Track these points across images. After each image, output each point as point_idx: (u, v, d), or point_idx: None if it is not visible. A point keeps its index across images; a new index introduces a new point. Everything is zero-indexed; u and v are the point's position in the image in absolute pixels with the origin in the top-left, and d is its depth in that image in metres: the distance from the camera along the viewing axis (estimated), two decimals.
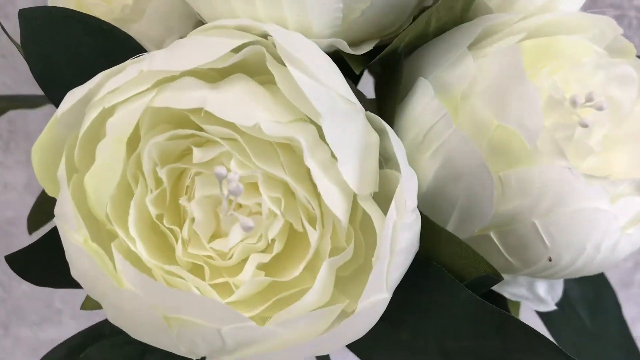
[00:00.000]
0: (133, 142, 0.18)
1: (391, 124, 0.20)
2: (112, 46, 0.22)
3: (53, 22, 0.21)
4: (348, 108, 0.18)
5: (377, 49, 0.21)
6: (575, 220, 0.20)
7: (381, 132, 0.19)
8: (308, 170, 0.17)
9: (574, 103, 0.20)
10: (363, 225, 0.18)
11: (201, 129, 0.17)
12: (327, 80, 0.17)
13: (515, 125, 0.19)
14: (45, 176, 0.19)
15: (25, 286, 0.63)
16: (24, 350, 0.67)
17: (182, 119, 0.17)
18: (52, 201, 0.19)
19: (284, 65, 0.17)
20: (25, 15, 0.21)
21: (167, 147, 0.18)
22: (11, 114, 0.52)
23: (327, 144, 0.17)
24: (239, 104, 0.17)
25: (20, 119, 0.52)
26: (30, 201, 0.59)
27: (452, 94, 0.20)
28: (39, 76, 0.22)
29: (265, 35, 0.18)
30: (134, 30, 0.22)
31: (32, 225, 0.28)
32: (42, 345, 0.66)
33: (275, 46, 0.17)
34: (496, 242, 0.21)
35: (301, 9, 0.18)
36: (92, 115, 0.17)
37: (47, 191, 0.19)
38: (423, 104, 0.20)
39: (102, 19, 0.24)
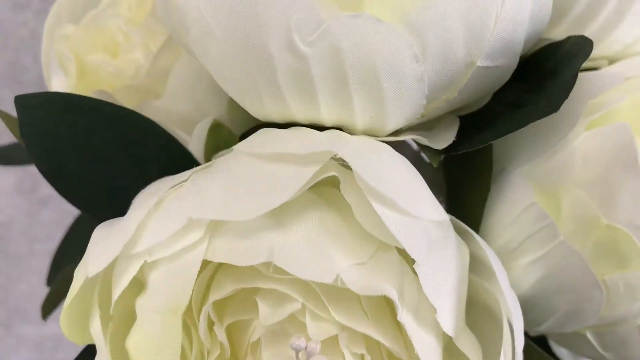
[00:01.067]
0: None
1: (474, 223, 0.17)
2: (131, 135, 0.18)
3: (56, 110, 0.17)
4: (439, 234, 0.15)
5: None
6: None
7: (464, 234, 0.16)
8: (393, 313, 0.14)
9: None
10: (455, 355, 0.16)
11: (268, 278, 0.14)
12: (416, 207, 0.14)
13: (627, 225, 0.16)
14: (72, 331, 0.15)
15: (25, 286, 0.60)
16: (29, 347, 0.65)
17: (244, 268, 0.14)
18: (65, 289, 0.16)
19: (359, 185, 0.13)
20: (23, 103, 0.17)
21: (226, 303, 0.15)
22: None
23: (413, 271, 0.14)
24: (314, 253, 0.13)
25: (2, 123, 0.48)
26: (19, 203, 0.56)
27: (552, 187, 0.17)
28: (44, 171, 0.18)
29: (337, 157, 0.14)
30: (156, 108, 0.19)
31: (45, 312, 0.25)
32: (47, 341, 0.64)
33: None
34: (591, 339, 0.19)
35: (377, 110, 0.15)
36: (130, 271, 0.14)
37: (75, 342, 0.16)
38: (520, 207, 0.17)
39: (112, 82, 0.21)
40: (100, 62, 0.20)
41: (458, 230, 0.16)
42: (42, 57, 0.22)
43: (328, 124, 0.15)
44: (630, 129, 0.17)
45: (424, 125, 0.17)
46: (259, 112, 0.16)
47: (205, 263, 0.14)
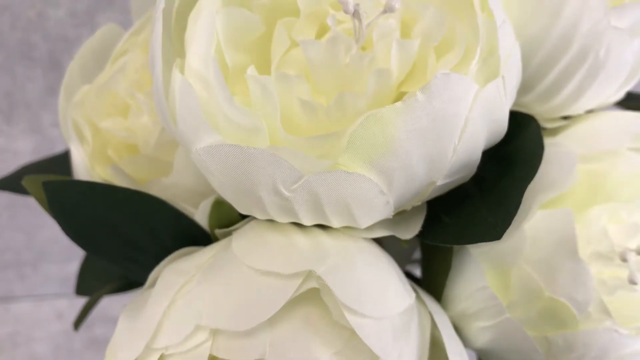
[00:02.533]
0: None
1: (438, 289, 0.21)
2: (145, 212, 0.21)
3: (78, 194, 0.20)
4: (404, 320, 0.18)
5: None
6: None
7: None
8: None
9: (623, 259, 0.20)
10: None
11: None
12: (383, 309, 0.17)
13: (566, 298, 0.19)
14: None
15: (47, 232, 0.65)
16: (55, 283, 0.70)
17: None
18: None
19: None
20: (50, 189, 0.20)
21: None
22: (9, 87, 0.50)
23: None
24: (299, 348, 0.17)
25: (18, 91, 0.50)
26: None
27: (505, 266, 0.20)
28: (74, 239, 0.21)
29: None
30: (165, 184, 0.21)
31: (78, 322, 0.28)
32: (71, 276, 0.70)
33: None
34: None
35: (352, 223, 0.18)
36: None
37: None
38: (475, 286, 0.20)
39: (125, 143, 0.23)
40: (112, 128, 0.23)
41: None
42: (59, 116, 0.25)
43: (310, 224, 0.18)
44: (572, 217, 0.19)
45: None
46: (244, 210, 0.18)
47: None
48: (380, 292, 0.17)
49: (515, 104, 0.22)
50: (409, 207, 0.18)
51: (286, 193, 0.16)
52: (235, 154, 0.15)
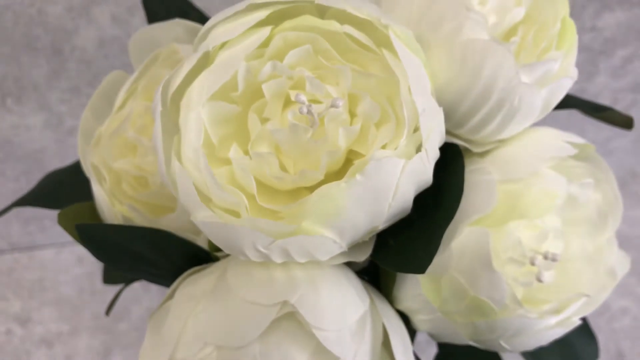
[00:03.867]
0: None
1: (389, 288, 0.27)
2: (159, 242, 0.26)
3: (106, 234, 0.26)
4: (360, 325, 0.24)
5: None
6: (533, 338, 0.27)
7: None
8: None
9: (532, 263, 0.26)
10: None
11: None
12: (342, 322, 0.23)
13: (486, 297, 0.25)
14: None
15: None
16: (74, 261, 0.76)
17: None
18: None
19: None
20: (82, 230, 0.26)
21: None
22: (16, 74, 0.54)
23: None
24: (284, 355, 0.23)
25: (25, 77, 0.55)
26: (49, 134, 0.64)
27: (438, 274, 0.26)
28: (104, 262, 0.27)
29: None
30: (172, 219, 0.27)
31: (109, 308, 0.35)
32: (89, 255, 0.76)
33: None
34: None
35: (314, 260, 0.23)
36: None
37: None
38: (414, 292, 0.26)
39: (137, 177, 0.28)
40: (124, 166, 0.28)
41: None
42: (79, 153, 0.30)
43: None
44: (488, 236, 0.25)
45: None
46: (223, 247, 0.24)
47: None
48: (339, 309, 0.23)
49: (452, 134, 0.28)
50: (369, 237, 0.24)
51: (264, 251, 0.21)
52: (222, 227, 0.21)
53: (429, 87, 0.23)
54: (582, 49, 0.64)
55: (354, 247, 0.25)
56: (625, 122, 0.35)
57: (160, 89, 0.22)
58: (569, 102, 0.33)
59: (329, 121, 0.22)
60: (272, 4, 0.22)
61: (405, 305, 0.27)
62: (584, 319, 0.37)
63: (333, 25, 0.23)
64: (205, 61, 0.23)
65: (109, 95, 0.30)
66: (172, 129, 0.22)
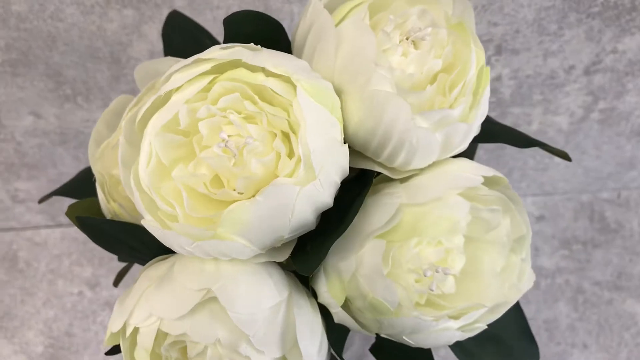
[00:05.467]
0: None
1: (308, 287, 0.33)
2: (139, 234, 0.34)
3: (101, 225, 0.34)
4: (273, 311, 0.30)
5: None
6: (430, 337, 0.33)
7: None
8: None
9: (425, 275, 0.31)
10: None
11: None
12: (256, 307, 0.30)
13: (382, 299, 0.31)
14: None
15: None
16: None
17: None
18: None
19: None
20: (81, 221, 0.34)
21: None
22: (84, 78, 0.64)
23: None
24: (208, 329, 0.30)
25: (91, 80, 0.64)
26: None
27: (344, 277, 0.32)
28: (100, 245, 0.35)
29: None
30: None
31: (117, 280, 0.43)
32: None
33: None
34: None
35: (229, 256, 0.30)
36: (128, 332, 0.31)
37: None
38: (324, 289, 0.32)
39: None
40: (119, 175, 0.36)
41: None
42: (89, 159, 0.38)
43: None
44: (381, 249, 0.31)
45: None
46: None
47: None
48: (254, 297, 0.30)
49: (375, 162, 0.33)
50: (279, 245, 0.30)
51: (189, 249, 0.29)
52: (157, 230, 0.28)
53: (332, 129, 0.29)
54: (606, 69, 0.66)
55: (275, 249, 0.31)
56: (562, 154, 0.39)
57: (126, 119, 0.30)
58: (501, 137, 0.37)
59: (247, 153, 0.28)
60: (212, 60, 0.29)
61: (321, 300, 0.33)
62: (524, 323, 0.42)
63: (258, 78, 0.29)
64: (166, 99, 0.30)
65: (119, 112, 0.38)
66: (136, 152, 0.30)
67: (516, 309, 0.42)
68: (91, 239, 0.35)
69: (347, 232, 0.32)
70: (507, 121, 0.74)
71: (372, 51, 0.30)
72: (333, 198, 0.31)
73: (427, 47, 0.32)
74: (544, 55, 0.64)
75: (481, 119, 0.33)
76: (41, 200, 0.43)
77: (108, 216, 0.36)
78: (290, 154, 0.29)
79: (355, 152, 0.34)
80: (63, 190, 0.43)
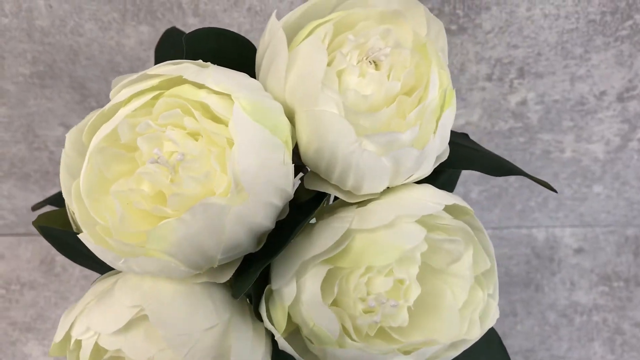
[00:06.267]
0: None
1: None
2: None
3: (61, 235, 0.34)
4: (209, 334, 0.30)
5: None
6: None
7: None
8: None
9: (370, 305, 0.30)
10: None
11: None
12: (189, 329, 0.29)
13: (324, 328, 0.30)
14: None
15: None
16: None
17: None
18: None
19: None
20: (44, 231, 0.35)
21: None
22: (105, 90, 0.66)
23: None
24: (142, 346, 0.30)
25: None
26: None
27: (285, 303, 0.31)
28: (62, 253, 0.36)
29: None
30: None
31: None
32: None
33: None
34: None
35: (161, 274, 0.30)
36: (71, 343, 0.31)
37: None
38: (264, 315, 0.31)
39: None
40: None
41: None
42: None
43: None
44: (320, 278, 0.29)
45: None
46: None
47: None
48: (186, 318, 0.29)
49: (332, 185, 0.32)
50: (215, 265, 0.30)
51: (121, 265, 0.28)
52: (91, 245, 0.28)
53: (272, 150, 0.28)
54: None
55: (217, 269, 0.31)
56: (546, 185, 0.36)
57: (74, 129, 0.30)
58: (476, 163, 0.35)
59: (182, 170, 0.28)
60: (157, 76, 0.29)
61: (266, 325, 0.32)
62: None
63: (200, 94, 0.29)
64: (113, 112, 0.30)
65: None
66: (82, 163, 0.30)
67: (499, 349, 0.40)
68: (56, 248, 0.35)
69: (291, 256, 0.31)
70: (537, 148, 0.71)
71: (320, 71, 0.29)
72: (272, 220, 0.30)
73: (386, 68, 0.31)
74: (570, 79, 0.61)
75: (441, 143, 0.31)
76: (34, 208, 0.45)
77: (73, 227, 0.37)
78: (224, 172, 0.28)
79: (314, 173, 0.33)
80: (54, 200, 0.45)
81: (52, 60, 0.62)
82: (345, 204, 0.33)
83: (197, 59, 0.31)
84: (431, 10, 0.54)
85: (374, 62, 0.32)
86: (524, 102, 0.64)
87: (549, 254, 0.86)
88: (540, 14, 0.54)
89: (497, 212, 0.83)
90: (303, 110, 0.30)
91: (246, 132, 0.28)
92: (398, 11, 0.33)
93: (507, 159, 0.75)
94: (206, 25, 0.57)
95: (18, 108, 0.69)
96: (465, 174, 0.78)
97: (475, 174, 0.77)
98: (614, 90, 0.62)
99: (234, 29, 0.58)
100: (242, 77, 0.30)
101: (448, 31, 0.56)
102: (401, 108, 0.31)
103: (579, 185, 0.78)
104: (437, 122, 0.31)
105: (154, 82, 0.29)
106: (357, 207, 0.32)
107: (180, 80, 0.29)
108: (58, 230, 0.35)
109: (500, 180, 0.79)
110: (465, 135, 0.39)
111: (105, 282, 0.33)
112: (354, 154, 0.29)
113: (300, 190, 0.34)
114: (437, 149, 0.31)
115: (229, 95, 0.29)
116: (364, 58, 0.32)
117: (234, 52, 0.35)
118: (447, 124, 0.31)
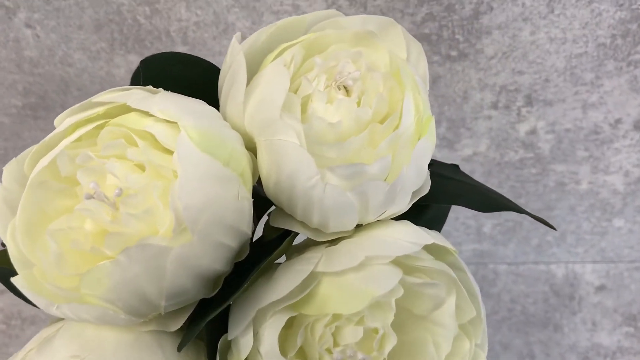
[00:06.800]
0: None
1: None
2: None
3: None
4: None
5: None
6: None
7: None
8: None
9: (337, 358, 0.27)
10: None
11: None
12: None
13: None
14: None
15: None
16: None
17: None
18: None
19: None
20: None
21: None
22: None
23: None
24: None
25: None
26: None
27: (242, 354, 0.27)
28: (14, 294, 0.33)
29: None
30: None
31: None
32: None
33: None
34: None
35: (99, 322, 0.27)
36: None
37: None
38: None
39: None
40: None
41: None
42: None
43: None
44: (277, 329, 0.26)
45: None
46: None
47: None
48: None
49: (298, 222, 0.29)
50: (162, 312, 0.27)
51: (55, 311, 0.26)
52: (28, 293, 0.26)
53: (224, 183, 0.25)
54: None
55: (167, 317, 0.28)
56: (543, 221, 0.33)
57: (15, 159, 0.27)
58: (462, 198, 0.32)
59: (122, 206, 0.25)
60: (100, 104, 0.27)
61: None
62: None
63: (145, 123, 0.26)
64: (55, 142, 0.27)
65: None
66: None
67: None
68: (7, 287, 0.33)
69: (249, 302, 0.28)
70: (551, 180, 0.67)
71: (279, 97, 0.27)
72: (225, 262, 0.27)
73: (357, 94, 0.28)
74: (582, 107, 0.57)
75: (417, 176, 0.28)
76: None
77: None
78: (167, 208, 0.26)
79: (280, 209, 0.30)
80: None
81: (43, 91, 0.61)
82: (316, 243, 0.30)
83: (159, 87, 0.28)
84: (429, 35, 0.51)
85: (345, 87, 0.29)
86: (533, 131, 0.61)
87: (569, 292, 0.81)
88: (545, 38, 0.51)
89: (512, 246, 0.79)
90: (261, 139, 0.27)
91: (191, 163, 0.25)
92: (372, 32, 0.30)
93: (520, 191, 0.71)
94: (196, 52, 0.55)
95: (13, 140, 0.67)
96: None
97: None
98: (630, 118, 0.58)
99: (224, 57, 0.56)
100: (196, 103, 0.28)
101: (448, 57, 0.53)
102: (373, 137, 0.28)
103: (598, 219, 0.73)
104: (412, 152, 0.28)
105: (99, 110, 0.27)
106: (326, 247, 0.29)
107: (127, 108, 0.27)
108: (7, 270, 0.32)
109: (513, 214, 0.74)
110: (456, 167, 0.36)
111: (51, 328, 0.30)
112: (315, 189, 0.26)
113: (267, 228, 0.31)
114: (413, 182, 0.28)
115: (177, 124, 0.26)
116: (333, 83, 0.29)
117: (200, 79, 0.32)
118: (423, 154, 0.28)
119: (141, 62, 0.31)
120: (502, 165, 0.66)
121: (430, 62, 0.53)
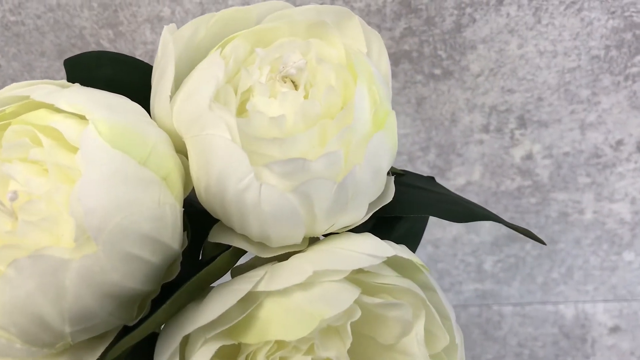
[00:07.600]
0: None
1: None
2: None
3: None
4: None
5: None
6: None
7: None
8: None
9: None
10: None
11: None
12: None
13: None
14: None
15: None
16: None
17: None
18: None
19: None
20: None
21: None
22: None
23: None
24: None
25: None
26: None
27: None
28: None
29: None
30: None
31: None
32: None
33: None
34: None
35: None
36: None
37: None
38: None
39: None
40: None
41: None
42: None
43: None
44: (211, 353, 0.22)
45: None
46: None
47: None
48: None
49: (238, 235, 0.25)
50: (70, 341, 0.23)
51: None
52: None
53: (139, 185, 0.22)
54: None
55: (81, 345, 0.23)
56: (530, 235, 0.29)
57: None
58: (432, 208, 0.28)
59: (20, 214, 0.22)
60: (3, 99, 0.23)
61: None
62: None
63: (50, 119, 0.23)
64: None
65: None
66: None
67: None
68: None
69: (176, 329, 0.23)
70: (552, 210, 0.63)
71: (209, 87, 0.23)
72: (145, 281, 0.23)
73: (303, 86, 0.25)
74: (580, 127, 0.53)
75: (374, 177, 0.24)
76: None
77: None
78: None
79: (220, 222, 0.26)
80: None
81: None
82: (263, 261, 0.26)
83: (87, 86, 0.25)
84: (409, 52, 0.48)
85: (292, 81, 0.26)
86: (529, 156, 0.57)
87: (580, 334, 0.75)
88: (534, 51, 0.47)
89: (516, 285, 0.74)
90: (189, 136, 0.23)
91: (97, 160, 0.21)
92: (325, 23, 0.26)
93: (519, 223, 0.67)
94: None
95: None
96: (475, 241, 0.69)
97: (486, 241, 0.68)
98: (633, 138, 0.54)
99: None
100: (116, 98, 0.24)
101: (432, 76, 0.49)
102: (324, 135, 0.24)
103: (607, 253, 0.68)
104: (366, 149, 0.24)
105: (5, 109, 0.24)
106: (273, 264, 0.25)
107: (36, 105, 0.23)
108: None
109: (514, 249, 0.70)
110: (432, 179, 0.32)
111: None
112: (249, 191, 0.22)
113: (206, 245, 0.27)
114: (369, 186, 0.24)
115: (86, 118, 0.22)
116: (277, 76, 0.25)
117: (134, 81, 0.29)
118: (378, 151, 0.24)
119: (65, 62, 0.27)
120: (498, 195, 0.62)
121: (413, 83, 0.50)
